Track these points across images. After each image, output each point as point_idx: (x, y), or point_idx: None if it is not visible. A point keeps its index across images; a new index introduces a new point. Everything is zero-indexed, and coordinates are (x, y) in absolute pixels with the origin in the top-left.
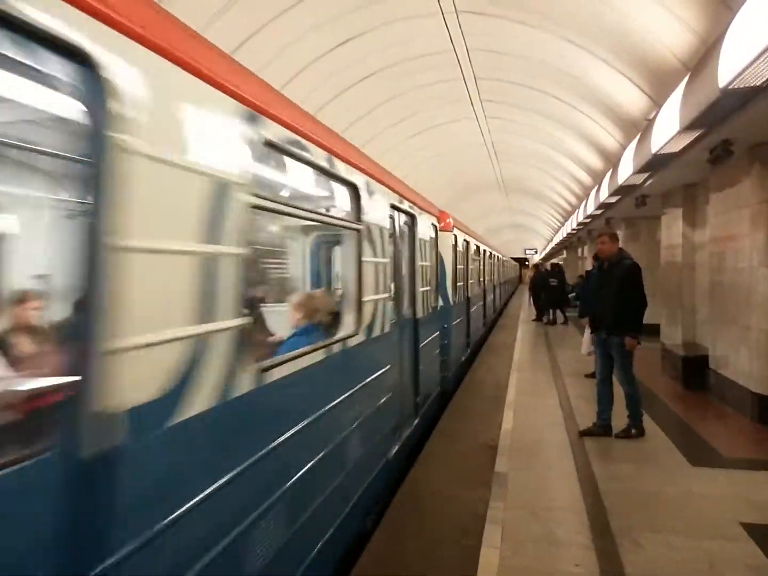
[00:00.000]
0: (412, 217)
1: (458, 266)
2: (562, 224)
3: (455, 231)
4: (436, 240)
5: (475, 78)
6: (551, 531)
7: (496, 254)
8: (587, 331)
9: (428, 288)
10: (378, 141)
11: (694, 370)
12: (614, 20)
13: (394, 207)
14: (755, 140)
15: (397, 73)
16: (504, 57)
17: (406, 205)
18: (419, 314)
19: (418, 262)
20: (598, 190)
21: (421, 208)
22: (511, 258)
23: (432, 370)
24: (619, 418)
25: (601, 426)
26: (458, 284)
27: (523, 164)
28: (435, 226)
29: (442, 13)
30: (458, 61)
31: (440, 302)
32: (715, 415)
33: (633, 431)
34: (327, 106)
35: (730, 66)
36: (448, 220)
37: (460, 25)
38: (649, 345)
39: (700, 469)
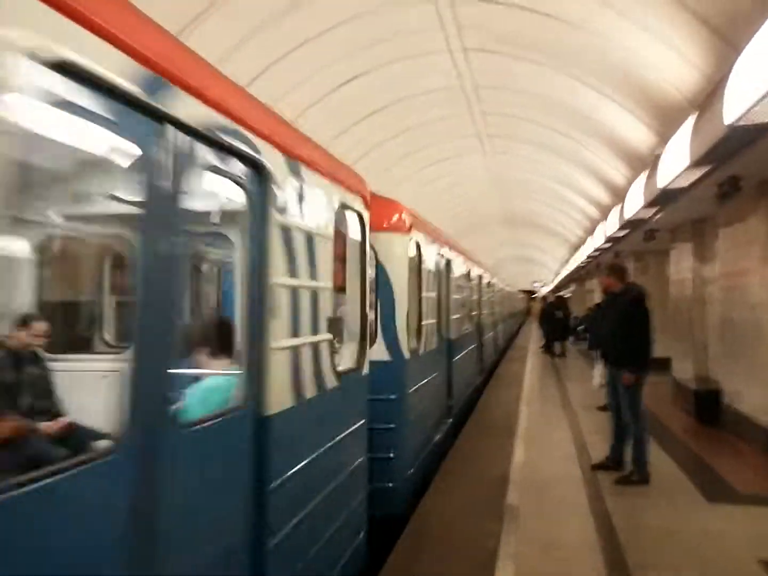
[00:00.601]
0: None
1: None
2: (570, 257)
3: (414, 234)
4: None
5: (482, 113)
6: (565, 567)
7: (499, 283)
8: (598, 364)
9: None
10: (388, 174)
11: (707, 405)
12: (621, 58)
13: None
14: (764, 176)
15: (405, 108)
16: (511, 93)
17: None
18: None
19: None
20: (605, 224)
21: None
22: (520, 290)
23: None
24: None
25: (614, 460)
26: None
27: (530, 198)
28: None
29: (450, 51)
30: (466, 97)
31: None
32: (729, 450)
33: (634, 477)
34: (337, 139)
35: (736, 104)
36: (397, 216)
37: (467, 63)
38: (661, 378)
39: (715, 505)
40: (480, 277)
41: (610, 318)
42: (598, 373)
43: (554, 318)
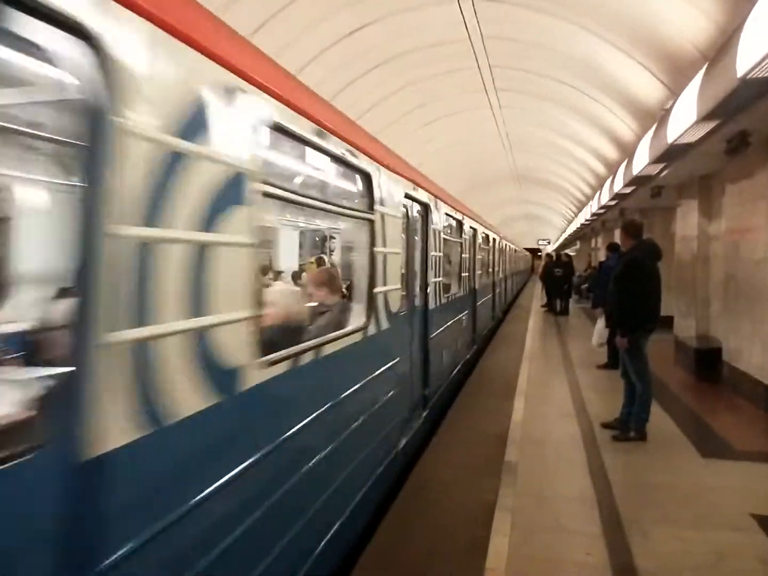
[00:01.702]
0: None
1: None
2: (576, 215)
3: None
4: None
5: (490, 67)
6: (561, 520)
7: (501, 240)
8: (599, 322)
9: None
10: (392, 129)
11: (708, 363)
12: (632, 9)
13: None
14: None
15: (411, 61)
16: (519, 45)
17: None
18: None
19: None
20: (612, 181)
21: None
22: (524, 248)
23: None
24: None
25: (621, 421)
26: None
27: (538, 154)
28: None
29: (458, 1)
30: (473, 49)
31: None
32: (727, 407)
33: (632, 434)
34: (341, 94)
35: (750, 55)
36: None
37: (475, 13)
38: (663, 336)
39: (711, 461)
40: (486, 239)
41: (612, 281)
42: (598, 331)
43: (555, 276)
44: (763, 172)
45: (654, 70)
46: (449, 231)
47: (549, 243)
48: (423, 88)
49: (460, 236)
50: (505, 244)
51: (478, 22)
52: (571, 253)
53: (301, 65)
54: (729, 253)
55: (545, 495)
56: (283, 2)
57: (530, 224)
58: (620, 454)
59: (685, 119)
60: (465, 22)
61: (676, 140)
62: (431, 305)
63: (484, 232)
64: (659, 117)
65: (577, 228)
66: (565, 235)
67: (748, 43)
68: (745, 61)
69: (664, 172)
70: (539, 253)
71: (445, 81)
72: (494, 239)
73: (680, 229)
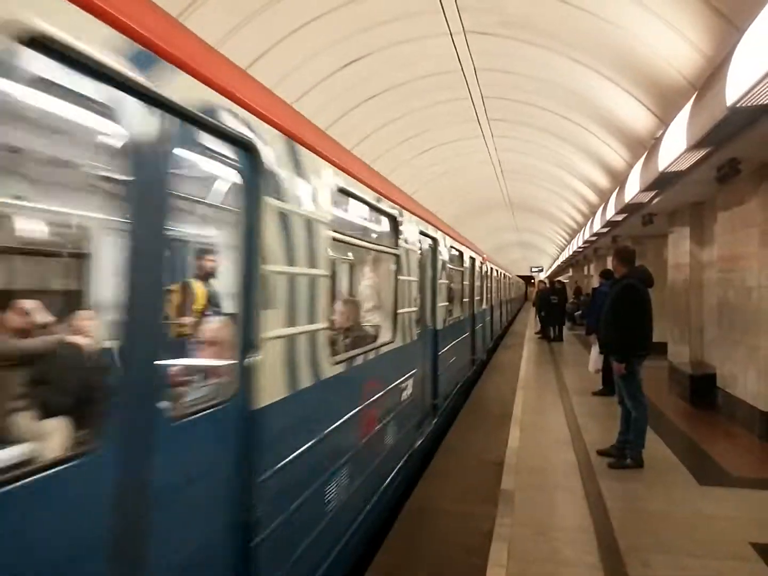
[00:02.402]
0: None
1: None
2: (569, 242)
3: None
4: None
5: (482, 97)
6: (559, 550)
7: (496, 269)
8: (594, 349)
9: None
10: (389, 156)
11: (702, 389)
12: (621, 40)
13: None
14: (763, 159)
15: (405, 92)
16: (511, 76)
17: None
18: None
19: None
20: (604, 209)
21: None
22: (518, 276)
23: None
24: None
25: (617, 448)
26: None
27: (530, 183)
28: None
29: (450, 34)
30: (466, 80)
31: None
32: (723, 434)
33: (628, 461)
34: (336, 123)
35: (738, 84)
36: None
37: (468, 46)
38: (657, 363)
39: (708, 488)
40: (482, 268)
41: (606, 307)
42: (594, 358)
43: (550, 303)
44: (754, 200)
45: (644, 100)
46: (452, 262)
47: (542, 270)
48: (418, 118)
49: (461, 266)
50: (501, 272)
51: (470, 54)
52: (564, 281)
53: (300, 94)
54: (722, 280)
55: (542, 524)
56: (282, 34)
57: (523, 251)
58: (617, 482)
59: (675, 148)
60: (458, 54)
61: (666, 168)
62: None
63: (480, 262)
64: (650, 146)
65: (570, 255)
66: (557, 263)
67: (737, 72)
68: (734, 90)
69: (656, 200)
70: (532, 281)
71: (439, 111)
72: (491, 268)
73: (672, 257)
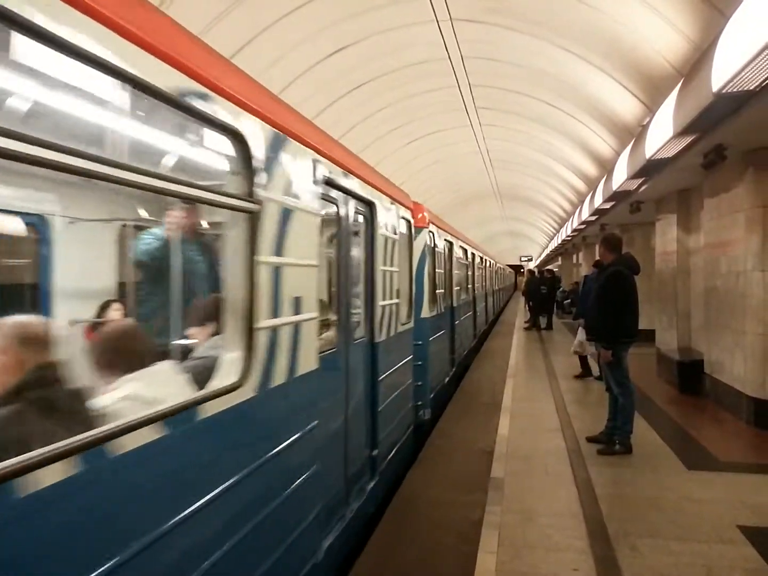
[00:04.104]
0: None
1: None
2: (557, 231)
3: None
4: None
5: (470, 85)
6: (548, 536)
7: (488, 259)
8: (580, 332)
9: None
10: (375, 148)
11: (690, 375)
12: (608, 28)
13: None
14: (749, 145)
15: (392, 80)
16: (498, 64)
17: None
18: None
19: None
20: (592, 197)
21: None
22: (507, 265)
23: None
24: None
25: (606, 435)
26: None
27: (518, 172)
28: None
29: (437, 21)
30: (453, 68)
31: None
32: (711, 419)
33: (617, 447)
34: (323, 113)
35: (724, 70)
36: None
37: (455, 33)
38: (646, 350)
39: (696, 473)
40: (473, 256)
41: (593, 294)
42: (577, 341)
43: (539, 293)
44: (740, 185)
45: (631, 87)
46: (461, 257)
47: (531, 259)
48: (405, 107)
49: (466, 259)
50: (491, 262)
51: (457, 42)
52: (554, 269)
53: (285, 84)
54: (709, 267)
55: (532, 511)
56: (267, 23)
57: (513, 241)
58: (606, 468)
59: (661, 135)
60: (444, 42)
61: (653, 155)
62: (455, 303)
63: (472, 252)
64: (637, 133)
65: (559, 244)
66: (547, 251)
67: (723, 58)
68: (719, 76)
69: (643, 188)
70: (522, 270)
71: (427, 100)
72: (481, 258)
73: (660, 244)
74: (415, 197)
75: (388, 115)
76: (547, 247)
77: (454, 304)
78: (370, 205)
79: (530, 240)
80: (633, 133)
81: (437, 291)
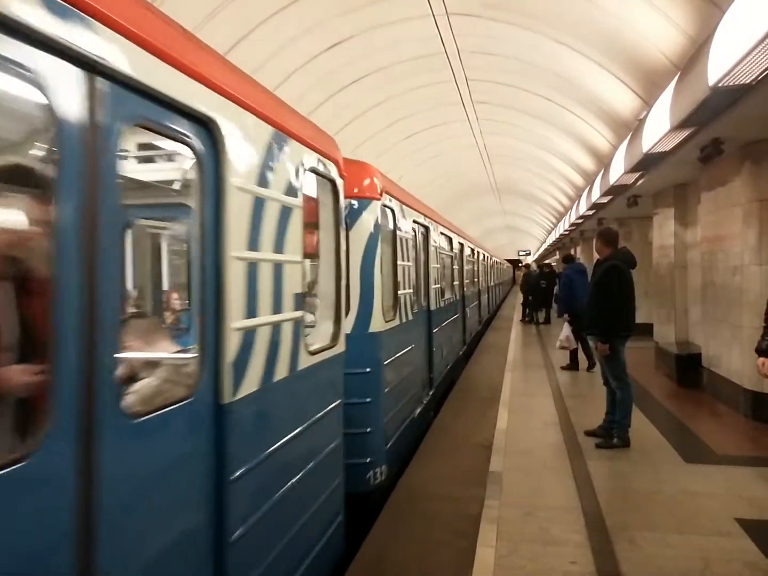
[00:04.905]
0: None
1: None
2: (555, 225)
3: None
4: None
5: (467, 80)
6: (546, 529)
7: (482, 251)
8: (565, 327)
9: None
10: (373, 142)
11: (688, 368)
12: (605, 22)
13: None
14: (746, 139)
15: (389, 75)
16: (495, 59)
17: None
18: None
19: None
20: (590, 191)
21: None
22: (506, 260)
23: None
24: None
25: (604, 428)
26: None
27: (516, 166)
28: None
29: (433, 16)
30: (450, 63)
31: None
32: (708, 412)
33: (615, 441)
34: (320, 108)
35: (720, 64)
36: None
37: (451, 28)
38: (644, 344)
39: (694, 466)
40: (462, 247)
41: (590, 288)
42: (563, 336)
43: (537, 287)
44: (737, 179)
45: (628, 81)
46: (444, 247)
47: (529, 254)
48: (402, 102)
49: (451, 250)
50: (486, 255)
51: (453, 36)
52: (553, 264)
53: (282, 79)
54: (706, 260)
55: (530, 505)
56: (260, 18)
57: (511, 235)
58: (604, 462)
59: (658, 128)
60: (440, 36)
61: (650, 149)
62: (433, 306)
63: (460, 242)
64: (634, 127)
65: (557, 238)
66: (545, 246)
67: (719, 52)
68: (715, 70)
69: (640, 182)
70: (520, 264)
71: (424, 94)
72: (472, 250)
73: (657, 238)
74: (413, 192)
75: (385, 110)
76: (545, 241)
77: (432, 307)
78: (205, 125)
79: (528, 235)
80: (630, 127)
81: (400, 292)
